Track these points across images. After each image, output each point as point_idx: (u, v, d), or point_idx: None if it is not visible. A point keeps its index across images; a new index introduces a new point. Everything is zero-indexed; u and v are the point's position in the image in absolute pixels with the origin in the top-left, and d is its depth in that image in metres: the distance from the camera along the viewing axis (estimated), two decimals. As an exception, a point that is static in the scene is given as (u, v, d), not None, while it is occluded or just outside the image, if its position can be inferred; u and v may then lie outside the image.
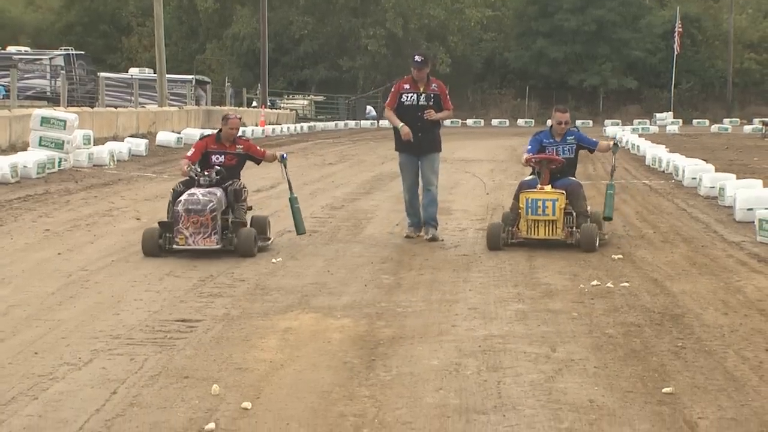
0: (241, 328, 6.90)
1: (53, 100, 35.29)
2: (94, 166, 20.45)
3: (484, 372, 5.80)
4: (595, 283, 8.51)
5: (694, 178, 16.87)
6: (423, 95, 11.09)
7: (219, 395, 5.32)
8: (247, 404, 5.16)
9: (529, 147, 10.85)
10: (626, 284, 8.48)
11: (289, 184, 10.68)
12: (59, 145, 19.15)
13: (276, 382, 5.59)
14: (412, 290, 8.31)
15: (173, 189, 10.25)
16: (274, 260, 9.69)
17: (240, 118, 10.83)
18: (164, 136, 27.90)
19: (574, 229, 10.33)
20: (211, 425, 4.85)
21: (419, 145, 11.12)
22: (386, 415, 5.04)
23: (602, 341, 6.55)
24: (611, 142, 11.09)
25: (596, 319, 7.23)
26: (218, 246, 9.73)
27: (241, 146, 10.46)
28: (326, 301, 7.86)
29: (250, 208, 10.46)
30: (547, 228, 10.31)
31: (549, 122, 11.19)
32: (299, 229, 10.57)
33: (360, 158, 26.01)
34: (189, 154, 10.38)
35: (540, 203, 10.28)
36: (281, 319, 7.19)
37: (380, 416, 5.03)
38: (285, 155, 10.61)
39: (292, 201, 10.55)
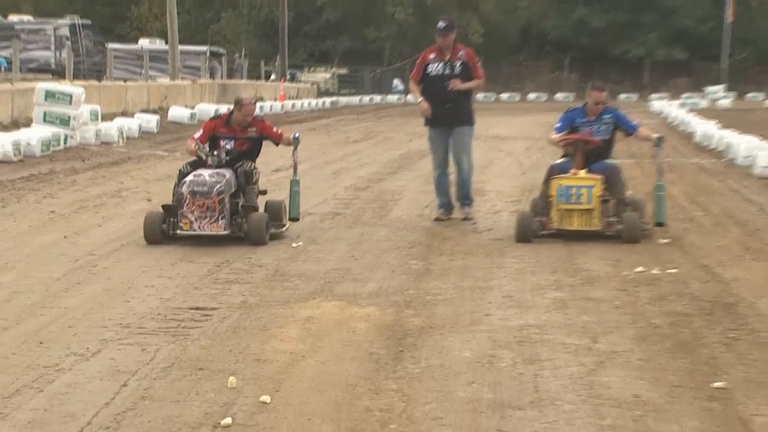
0: (260, 316, 6.93)
1: (58, 73, 35.47)
2: (102, 143, 20.56)
3: (519, 364, 5.79)
4: (639, 269, 8.48)
5: (748, 157, 16.74)
6: (449, 64, 11.06)
7: (236, 388, 5.34)
8: (265, 398, 5.18)
9: (558, 125, 10.45)
10: (674, 271, 8.44)
11: (295, 165, 10.57)
12: (65, 121, 19.26)
13: (297, 375, 5.61)
14: (443, 277, 8.32)
15: (179, 170, 10.21)
16: (294, 244, 9.71)
17: (255, 103, 10.71)
18: (177, 112, 28.01)
19: (614, 218, 9.95)
20: (228, 420, 4.88)
21: (448, 118, 11.11)
22: (415, 410, 5.05)
23: (648, 332, 6.53)
24: (654, 135, 10.60)
25: (641, 308, 7.20)
26: (226, 232, 9.68)
27: (255, 128, 10.32)
28: (350, 288, 7.88)
29: (263, 192, 10.40)
30: (581, 218, 9.94)
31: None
32: (292, 213, 10.36)
33: (386, 135, 26.00)
34: (196, 135, 10.31)
35: (574, 190, 9.90)
36: (302, 307, 7.21)
37: (408, 411, 5.04)
38: (298, 135, 10.55)
39: (293, 183, 10.40)
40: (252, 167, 10.22)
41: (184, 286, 7.92)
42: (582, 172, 10.07)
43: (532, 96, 57.29)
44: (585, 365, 5.78)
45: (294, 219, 10.45)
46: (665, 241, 9.86)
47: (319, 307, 7.20)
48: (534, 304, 7.31)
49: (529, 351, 6.08)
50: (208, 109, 28.09)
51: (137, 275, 8.31)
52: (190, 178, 9.83)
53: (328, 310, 7.11)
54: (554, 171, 10.24)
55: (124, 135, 21.67)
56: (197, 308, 7.16)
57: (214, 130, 10.30)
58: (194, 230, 9.68)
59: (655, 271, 8.40)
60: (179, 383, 5.45)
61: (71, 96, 19.44)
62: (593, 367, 5.75)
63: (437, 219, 11.34)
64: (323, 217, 11.59)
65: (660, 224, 10.28)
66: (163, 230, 9.70)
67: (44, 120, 19.17)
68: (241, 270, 8.55)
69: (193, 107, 29.40)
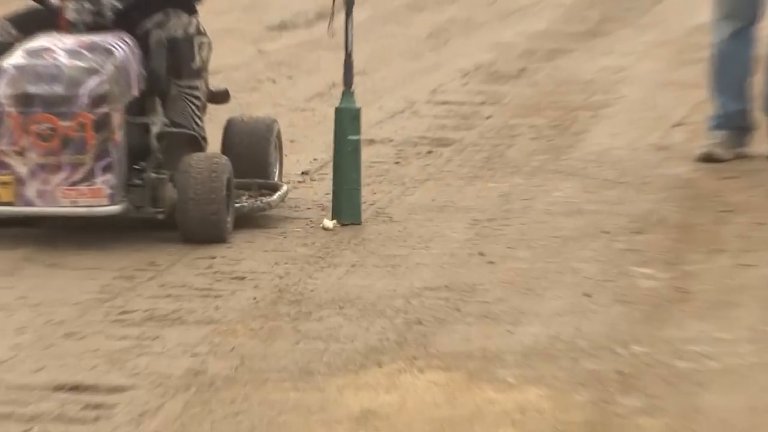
0: (237, 411, 6.92)
1: None
2: None
3: None
4: None
5: None
6: None
7: None
8: None
9: None
10: None
11: (348, 64, 10.50)
12: None
13: None
14: (719, 310, 8.40)
15: None
16: (327, 223, 9.76)
17: None
18: None
19: None
20: None
21: None
22: None
23: None
24: None
25: None
26: (116, 207, 9.73)
27: None
28: (476, 336, 7.88)
29: (220, 98, 10.65)
30: None
31: None
32: (343, 213, 10.24)
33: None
34: None
35: None
36: (350, 385, 7.21)
37: None
38: None
39: (342, 115, 10.34)
40: (189, 32, 10.29)
41: (40, 331, 7.97)
42: None
43: None
44: None
45: (354, 221, 10.30)
46: None
47: (393, 387, 7.20)
48: None
49: None
50: None
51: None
52: (15, 60, 9.93)
53: (417, 395, 7.10)
54: None
55: None
56: (76, 388, 7.18)
57: None
58: (27, 204, 9.76)
59: None
60: None
61: None
62: None
63: (706, 157, 11.54)
64: (403, 147, 11.71)
65: None
66: None
67: None
68: (190, 289, 8.63)
69: None
